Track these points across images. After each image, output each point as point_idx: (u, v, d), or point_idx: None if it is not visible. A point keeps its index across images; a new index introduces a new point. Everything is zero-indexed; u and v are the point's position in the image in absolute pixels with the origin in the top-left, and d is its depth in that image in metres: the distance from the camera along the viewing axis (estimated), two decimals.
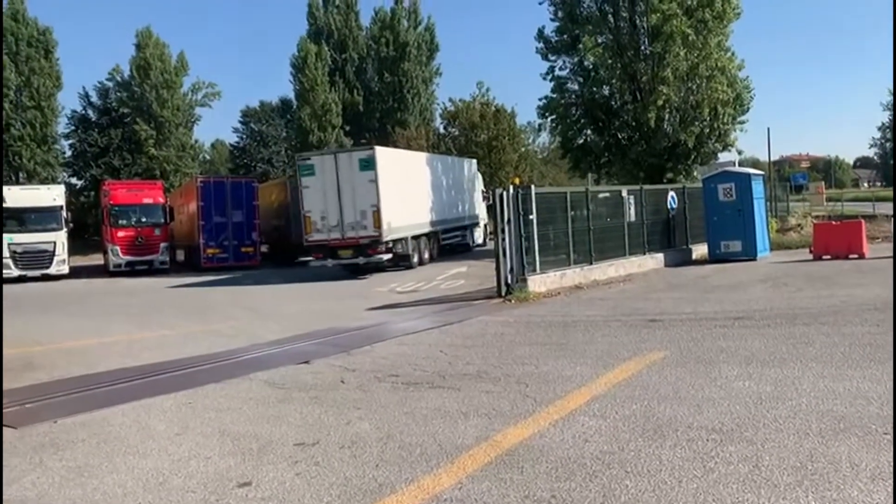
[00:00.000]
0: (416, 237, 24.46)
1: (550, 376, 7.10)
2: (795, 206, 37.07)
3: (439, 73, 61.52)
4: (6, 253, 27.35)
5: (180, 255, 34.07)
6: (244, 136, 65.79)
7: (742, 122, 28.63)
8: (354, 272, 22.81)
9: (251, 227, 29.94)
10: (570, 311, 12.23)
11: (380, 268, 22.83)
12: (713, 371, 6.83)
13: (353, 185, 21.82)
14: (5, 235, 27.40)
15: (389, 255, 22.45)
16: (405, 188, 23.60)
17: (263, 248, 31.76)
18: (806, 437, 4.75)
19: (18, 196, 28.94)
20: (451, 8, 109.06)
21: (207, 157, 66.95)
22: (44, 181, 43.02)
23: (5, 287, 25.09)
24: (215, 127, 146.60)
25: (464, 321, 11.64)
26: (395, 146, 51.86)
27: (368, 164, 21.87)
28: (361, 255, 22.07)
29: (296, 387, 7.53)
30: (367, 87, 58.55)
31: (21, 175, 47.45)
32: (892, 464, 4.11)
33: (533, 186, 16.07)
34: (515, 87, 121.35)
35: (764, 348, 7.80)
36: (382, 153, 23.17)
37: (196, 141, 57.05)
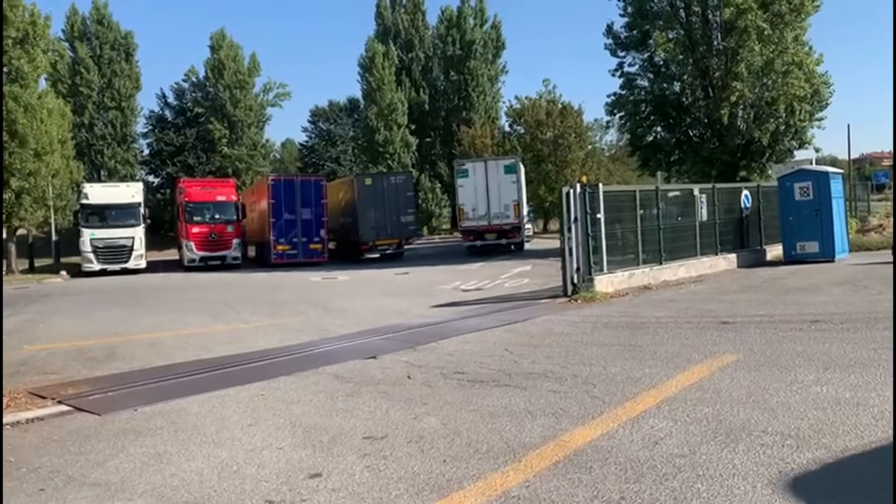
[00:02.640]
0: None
1: (618, 377, 7.00)
2: (877, 205, 35.55)
3: (505, 70, 61.43)
4: (88, 247, 28.60)
5: (251, 252, 34.95)
6: (313, 135, 67.23)
7: (820, 119, 27.65)
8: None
9: (319, 224, 30.46)
10: (638, 311, 12.03)
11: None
12: (788, 375, 6.62)
13: (499, 184, 28.82)
14: (88, 231, 28.67)
15: (520, 239, 29.95)
16: (523, 189, 30.75)
17: (331, 245, 32.29)
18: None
19: (100, 193, 30.26)
20: (518, 5, 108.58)
21: (277, 156, 68.52)
22: (123, 178, 44.80)
23: (88, 280, 26.31)
24: (285, 126, 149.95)
25: (528, 320, 11.58)
26: (460, 144, 52.20)
27: (511, 169, 29.32)
28: (504, 238, 29.17)
29: (363, 381, 7.64)
30: (433, 86, 58.86)
31: (102, 172, 49.59)
32: None
33: (601, 184, 15.85)
34: (583, 84, 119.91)
35: (843, 353, 7.50)
36: (518, 161, 31.03)
37: (267, 140, 58.66)
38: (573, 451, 4.86)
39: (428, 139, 57.57)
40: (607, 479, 4.30)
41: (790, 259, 18.53)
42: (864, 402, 5.54)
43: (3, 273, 23.40)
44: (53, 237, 35.19)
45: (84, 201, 29.66)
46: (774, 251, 19.87)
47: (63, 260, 33.88)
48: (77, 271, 29.28)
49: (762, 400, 5.84)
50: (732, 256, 18.90)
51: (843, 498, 3.92)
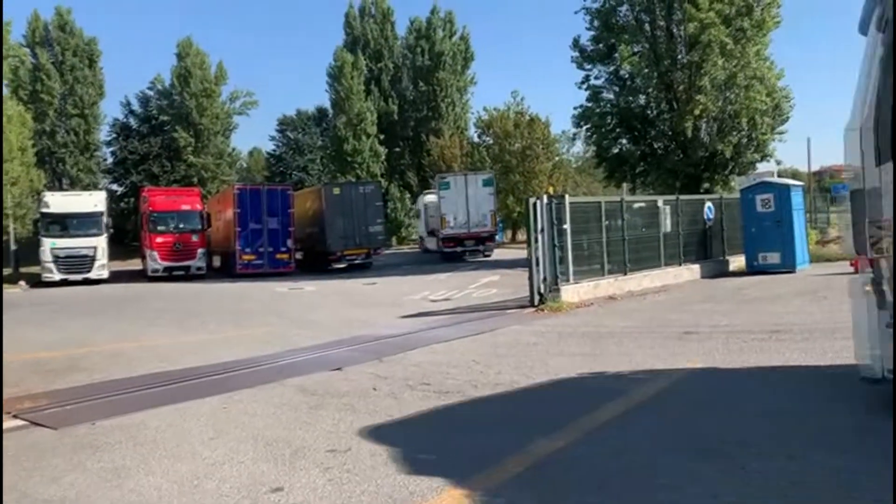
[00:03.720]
0: None
1: (586, 385, 7.03)
2: (836, 217, 36.32)
3: (474, 81, 61.62)
4: (48, 257, 28.02)
5: (216, 261, 34.51)
6: (280, 144, 66.72)
7: (781, 132, 28.21)
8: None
9: (286, 234, 30.21)
10: (602, 321, 12.13)
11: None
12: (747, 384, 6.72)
13: (477, 196, 32.02)
14: (49, 240, 28.08)
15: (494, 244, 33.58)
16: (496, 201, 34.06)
17: (298, 255, 32.06)
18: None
19: (61, 202, 29.67)
20: (487, 18, 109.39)
21: (244, 165, 67.85)
22: (86, 187, 43.96)
23: (48, 291, 25.73)
24: (252, 135, 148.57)
25: (496, 330, 11.61)
26: (429, 155, 52.26)
27: (488, 183, 32.87)
28: (481, 244, 32.56)
29: (328, 393, 7.58)
30: (402, 96, 58.88)
31: (64, 181, 48.67)
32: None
33: (567, 196, 15.98)
34: (551, 96, 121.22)
35: (801, 361, 7.64)
36: (493, 176, 34.87)
37: (233, 149, 58.05)
38: (538, 461, 4.86)
39: (397, 149, 57.53)
40: (570, 493, 4.30)
41: (752, 270, 18.85)
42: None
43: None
44: (12, 246, 34.40)
45: (45, 210, 29.05)
46: (737, 262, 20.20)
47: (22, 270, 33.12)
48: (37, 281, 28.64)
49: (722, 407, 5.91)
50: (696, 267, 19.16)
51: None
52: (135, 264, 35.12)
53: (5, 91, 33.45)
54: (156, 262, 29.84)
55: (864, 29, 5.35)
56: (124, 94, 64.08)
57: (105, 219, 29.73)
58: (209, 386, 8.18)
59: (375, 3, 59.45)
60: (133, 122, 55.74)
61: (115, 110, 67.63)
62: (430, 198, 40.06)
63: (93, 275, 28.45)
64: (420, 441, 5.50)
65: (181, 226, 30.47)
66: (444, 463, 4.95)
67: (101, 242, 28.99)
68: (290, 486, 4.65)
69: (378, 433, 5.82)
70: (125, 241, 43.69)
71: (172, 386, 8.26)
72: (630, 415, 5.95)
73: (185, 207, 31.13)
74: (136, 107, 56.02)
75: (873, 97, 4.93)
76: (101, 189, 42.53)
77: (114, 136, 54.85)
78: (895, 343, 4.36)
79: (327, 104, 58.75)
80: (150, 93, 55.80)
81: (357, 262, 30.80)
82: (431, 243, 38.82)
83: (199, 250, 30.54)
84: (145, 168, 52.42)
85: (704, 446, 4.97)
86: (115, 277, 30.02)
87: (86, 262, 28.56)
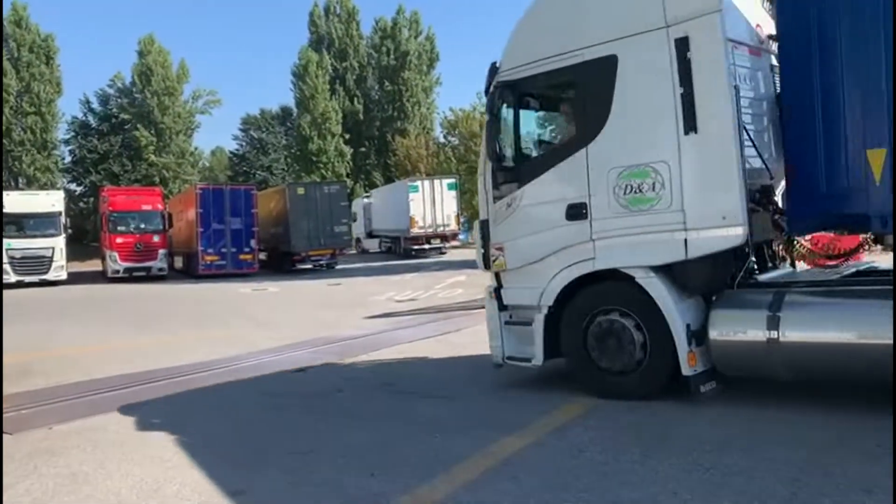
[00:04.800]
0: None
1: (547, 387, 7.08)
2: None
3: (440, 82, 61.65)
4: (4, 258, 27.33)
5: (178, 262, 34.06)
6: (244, 144, 66.04)
7: None
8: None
9: (250, 234, 29.91)
10: None
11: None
12: None
13: (443, 199, 34.39)
14: (4, 241, 27.40)
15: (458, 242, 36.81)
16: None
17: (262, 256, 31.78)
18: None
19: (17, 201, 28.96)
20: (452, 18, 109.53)
21: (207, 165, 67.03)
22: (43, 187, 43.06)
23: (3, 293, 25.08)
24: (215, 134, 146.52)
25: (461, 330, 11.62)
26: (395, 155, 52.20)
27: (453, 186, 35.46)
28: (445, 242, 35.25)
29: (292, 395, 7.53)
30: (368, 96, 58.71)
31: (21, 180, 47.57)
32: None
33: None
34: None
35: None
36: (457, 180, 37.06)
37: (196, 148, 57.38)
38: (502, 460, 4.89)
39: (363, 149, 57.32)
40: (534, 489, 4.34)
41: None
42: None
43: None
44: None
45: None
46: None
47: None
48: None
49: None
50: None
51: None
52: (94, 265, 34.46)
53: None
54: (116, 263, 29.36)
55: (486, 92, 6.99)
56: (83, 92, 63.01)
57: (63, 219, 29.14)
58: (171, 388, 8.07)
59: (340, 2, 59.19)
60: (92, 120, 54.69)
61: (74, 108, 66.34)
62: (367, 200, 42.13)
63: (50, 276, 27.87)
64: (385, 441, 5.50)
65: (142, 226, 30.02)
66: (410, 463, 4.94)
67: (58, 243, 28.41)
68: (251, 489, 4.61)
69: (342, 434, 5.80)
70: (84, 241, 42.82)
71: (132, 389, 8.12)
72: (591, 413, 6.01)
73: (146, 207, 30.70)
74: (95, 105, 55.03)
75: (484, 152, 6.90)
76: (59, 188, 41.67)
77: (72, 134, 53.77)
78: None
79: (292, 103, 58.36)
80: (110, 91, 54.89)
81: (322, 262, 30.64)
82: (371, 244, 40.62)
83: (161, 251, 30.14)
84: (105, 167, 51.47)
85: None
86: (74, 279, 29.42)
87: (43, 263, 27.96)
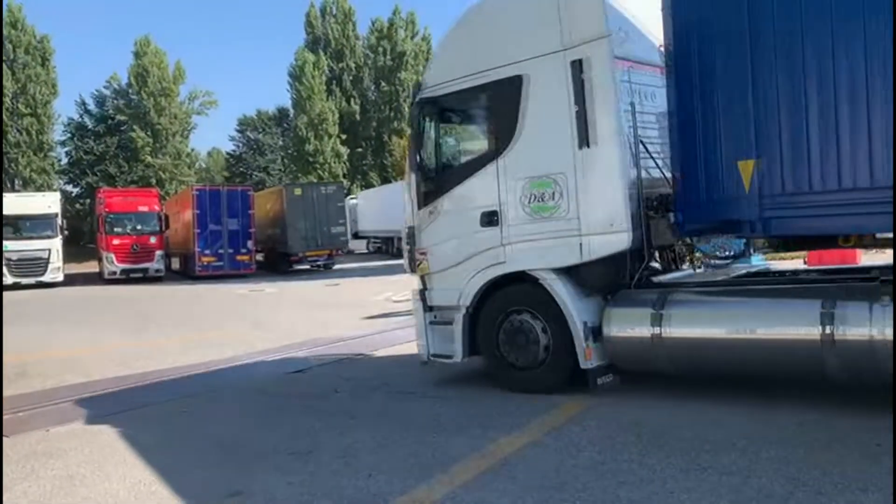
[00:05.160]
0: None
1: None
2: None
3: None
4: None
5: (175, 263, 34.03)
6: (240, 145, 65.99)
7: None
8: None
9: (246, 235, 29.89)
10: None
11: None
12: None
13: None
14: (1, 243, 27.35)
15: None
16: None
17: (258, 257, 31.75)
18: None
19: (13, 203, 28.88)
20: (448, 19, 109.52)
21: (203, 166, 66.94)
22: (39, 188, 42.92)
23: None
24: (212, 135, 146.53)
25: None
26: (391, 155, 52.16)
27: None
28: None
29: (290, 395, 7.53)
30: (364, 96, 58.65)
31: (17, 182, 47.45)
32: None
33: None
34: None
35: None
36: None
37: (192, 149, 57.35)
38: (500, 460, 4.89)
39: (359, 149, 57.27)
40: (531, 488, 4.34)
41: None
42: None
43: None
44: None
45: None
46: None
47: None
48: None
49: None
50: None
51: None
52: (91, 267, 34.43)
53: None
54: (113, 264, 29.33)
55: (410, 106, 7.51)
56: (79, 93, 62.88)
57: (59, 220, 29.07)
58: (167, 390, 8.07)
59: (337, 3, 59.11)
60: (88, 121, 54.60)
61: (70, 109, 66.06)
62: (353, 201, 41.83)
63: (47, 278, 27.81)
64: (383, 442, 5.49)
65: (139, 227, 29.99)
66: (408, 464, 4.95)
67: (55, 245, 28.35)
68: (249, 490, 4.61)
69: (340, 435, 5.79)
70: (81, 243, 42.80)
71: (129, 390, 8.13)
72: (588, 412, 6.01)
73: (143, 208, 30.65)
74: (91, 106, 54.93)
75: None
76: (55, 190, 41.57)
77: (68, 136, 53.67)
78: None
79: (288, 104, 58.32)
80: (107, 92, 54.78)
81: (319, 263, 30.63)
82: (358, 245, 40.78)
83: (157, 252, 30.11)
84: (101, 169, 51.37)
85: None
86: (71, 280, 29.39)
87: (39, 264, 27.91)
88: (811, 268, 6.89)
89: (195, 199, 29.36)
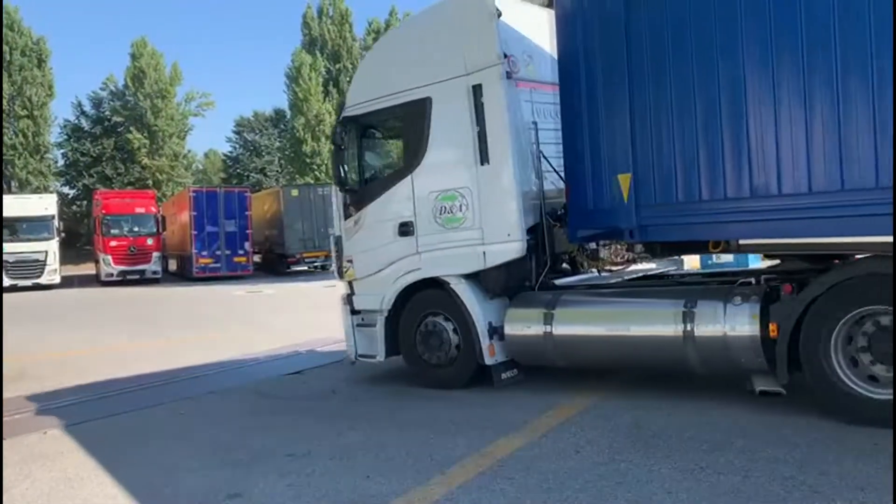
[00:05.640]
0: None
1: (544, 387, 7.09)
2: None
3: None
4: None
5: (172, 265, 34.01)
6: (237, 146, 65.78)
7: None
8: None
9: (244, 236, 29.90)
10: None
11: None
12: None
13: None
14: None
15: None
16: None
17: (256, 258, 31.73)
18: None
19: (10, 205, 28.83)
20: None
21: (200, 167, 66.88)
22: (36, 190, 42.89)
23: None
24: (208, 136, 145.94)
25: None
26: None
27: None
28: None
29: (287, 397, 7.54)
30: None
31: (13, 184, 47.37)
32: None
33: None
34: None
35: None
36: None
37: (189, 150, 57.20)
38: (498, 461, 4.89)
39: None
40: (529, 488, 4.34)
41: None
42: None
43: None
44: None
45: None
46: None
47: None
48: None
49: None
50: None
51: None
52: (88, 269, 34.40)
53: None
54: (110, 266, 29.31)
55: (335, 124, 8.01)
56: (75, 95, 62.76)
57: (56, 222, 29.06)
58: (165, 391, 8.07)
59: (333, 4, 59.09)
60: (85, 123, 54.44)
61: (66, 111, 66.03)
62: None
63: (43, 280, 27.80)
64: (381, 443, 5.49)
65: (136, 229, 29.98)
66: (406, 465, 4.95)
67: (52, 247, 28.34)
68: (248, 492, 4.61)
69: (338, 436, 5.79)
70: (78, 244, 42.73)
71: (127, 392, 8.11)
72: (588, 412, 6.02)
73: (140, 210, 30.66)
74: (87, 108, 54.77)
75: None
76: (51, 192, 41.51)
77: (65, 137, 53.54)
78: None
79: (285, 105, 58.20)
80: (103, 93, 54.61)
81: (317, 264, 30.61)
82: None
83: (155, 254, 30.11)
84: (98, 170, 51.27)
85: None
86: (68, 282, 29.37)
87: (36, 266, 27.89)
88: (695, 271, 7.52)
89: (192, 200, 29.36)
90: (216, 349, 10.95)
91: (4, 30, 48.39)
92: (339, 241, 8.04)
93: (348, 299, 8.03)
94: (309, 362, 9.47)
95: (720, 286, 6.10)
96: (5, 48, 47.99)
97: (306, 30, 58.64)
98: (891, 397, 4.97)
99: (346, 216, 7.94)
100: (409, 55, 7.46)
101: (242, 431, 6.18)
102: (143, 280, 29.36)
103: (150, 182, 49.80)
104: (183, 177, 53.41)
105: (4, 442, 6.09)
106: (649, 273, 7.50)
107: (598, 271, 7.39)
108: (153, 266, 29.95)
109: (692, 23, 5.72)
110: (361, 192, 7.83)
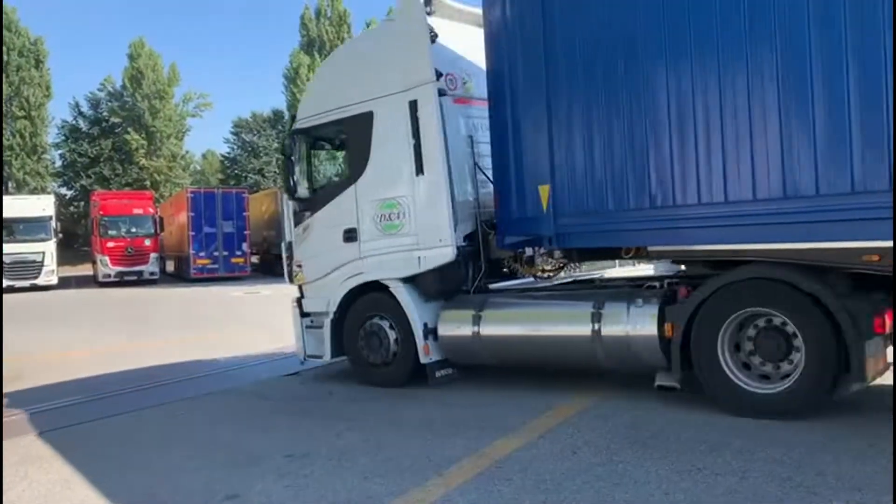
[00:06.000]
0: None
1: (542, 387, 7.09)
2: None
3: None
4: None
5: (170, 266, 33.98)
6: (235, 147, 65.70)
7: None
8: None
9: (241, 237, 29.88)
10: None
11: None
12: None
13: None
14: None
15: None
16: None
17: (254, 259, 31.72)
18: None
19: (7, 206, 28.76)
20: None
21: (198, 168, 66.81)
22: (33, 191, 42.90)
23: None
24: (206, 137, 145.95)
25: None
26: None
27: None
28: None
29: (285, 398, 7.54)
30: None
31: (11, 185, 47.32)
32: None
33: None
34: None
35: None
36: None
37: (187, 151, 57.26)
38: (495, 462, 4.89)
39: None
40: (526, 489, 4.35)
41: None
42: None
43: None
44: None
45: None
46: None
47: None
48: None
49: None
50: None
51: None
52: (85, 270, 34.36)
53: None
54: (107, 267, 29.28)
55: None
56: (73, 96, 62.66)
57: (53, 223, 29.03)
58: (162, 392, 8.06)
59: (331, 5, 59.08)
60: (83, 124, 54.40)
61: (64, 112, 65.68)
62: None
63: (41, 281, 27.76)
64: (378, 444, 5.49)
65: (133, 230, 29.95)
66: (403, 465, 4.94)
67: (49, 247, 28.31)
68: (245, 493, 4.60)
69: (336, 437, 5.79)
70: (75, 245, 42.66)
71: (124, 393, 8.10)
72: (585, 413, 6.02)
73: (137, 211, 30.63)
74: (85, 108, 54.74)
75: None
76: (49, 193, 41.52)
77: (62, 138, 53.51)
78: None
79: (283, 106, 58.17)
80: (101, 94, 54.61)
81: None
82: None
83: (152, 255, 30.08)
84: (96, 171, 51.25)
85: None
86: (65, 283, 29.33)
87: (33, 267, 27.86)
88: (617, 276, 7.80)
89: (190, 201, 29.35)
90: (214, 350, 10.94)
91: (3, 31, 48.38)
92: (289, 246, 8.47)
93: (298, 302, 8.41)
94: (307, 363, 9.43)
95: (629, 289, 6.49)
96: (3, 49, 47.97)
97: (304, 31, 58.61)
98: (771, 392, 5.46)
99: (297, 223, 8.30)
100: (354, 72, 7.84)
101: (240, 432, 6.17)
102: (141, 281, 29.33)
103: (147, 183, 49.80)
104: (181, 178, 53.43)
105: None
106: (578, 278, 7.80)
107: (535, 277, 7.62)
108: (151, 267, 29.93)
109: (602, 42, 6.11)
110: (310, 201, 8.16)
